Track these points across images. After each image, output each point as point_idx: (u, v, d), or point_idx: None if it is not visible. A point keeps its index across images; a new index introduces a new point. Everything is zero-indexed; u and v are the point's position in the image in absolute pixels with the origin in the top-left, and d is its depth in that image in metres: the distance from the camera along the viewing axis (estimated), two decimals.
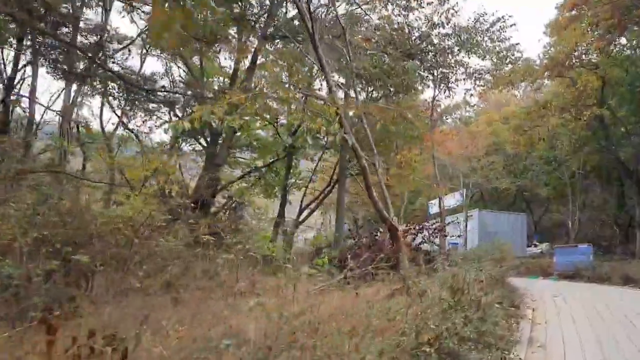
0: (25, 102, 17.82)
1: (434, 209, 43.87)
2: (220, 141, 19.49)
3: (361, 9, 18.50)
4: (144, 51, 23.33)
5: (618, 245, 29.56)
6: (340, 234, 22.36)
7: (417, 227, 15.49)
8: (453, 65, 20.88)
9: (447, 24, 19.03)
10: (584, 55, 27.09)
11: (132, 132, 25.58)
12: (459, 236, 33.18)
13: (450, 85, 22.11)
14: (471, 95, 24.32)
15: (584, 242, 29.62)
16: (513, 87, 30.27)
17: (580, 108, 26.64)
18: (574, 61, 26.95)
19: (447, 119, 62.57)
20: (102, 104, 22.99)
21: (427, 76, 21.45)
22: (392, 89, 21.08)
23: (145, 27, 19.18)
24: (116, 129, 24.14)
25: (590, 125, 29.95)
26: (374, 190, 12.13)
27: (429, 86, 23.20)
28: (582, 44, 25.59)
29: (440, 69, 21.00)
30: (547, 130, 32.84)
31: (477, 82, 22.60)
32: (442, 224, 16.13)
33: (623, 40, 27.01)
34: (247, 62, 18.44)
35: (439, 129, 51.96)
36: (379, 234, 15.27)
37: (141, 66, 23.31)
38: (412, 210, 58.92)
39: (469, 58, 21.19)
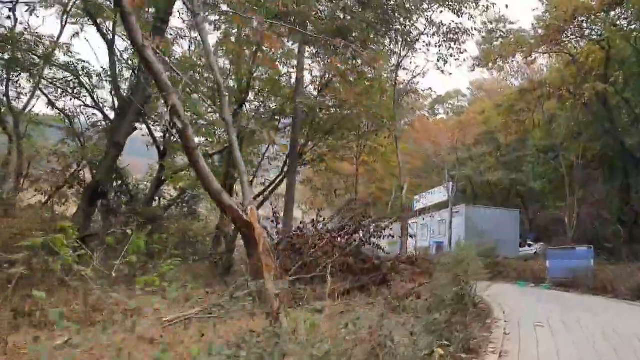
0: None
1: (418, 204, 40.02)
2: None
3: None
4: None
5: (622, 244, 25.61)
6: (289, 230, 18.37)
7: (352, 226, 11.53)
8: (412, 15, 16.93)
9: None
10: (584, 24, 23.09)
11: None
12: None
13: (411, 40, 18.16)
14: (445, 62, 20.33)
15: (583, 243, 25.65)
16: (505, 62, 26.26)
17: (580, 86, 22.61)
18: (572, 31, 22.98)
19: (438, 109, 59.09)
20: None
21: (384, 30, 17.43)
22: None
23: None
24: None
25: (591, 108, 25.98)
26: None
27: (384, 44, 19.22)
28: (583, 12, 21.63)
29: (400, 20, 17.04)
30: (542, 115, 28.87)
31: (454, 45, 18.59)
32: (387, 223, 12.22)
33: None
34: None
35: (423, 118, 48.25)
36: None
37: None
38: (399, 205, 54.96)
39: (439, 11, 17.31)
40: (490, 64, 26.89)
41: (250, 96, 21.40)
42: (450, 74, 20.63)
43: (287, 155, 20.68)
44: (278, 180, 21.49)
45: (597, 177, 30.36)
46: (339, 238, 11.08)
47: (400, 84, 21.64)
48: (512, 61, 26.58)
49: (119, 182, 23.71)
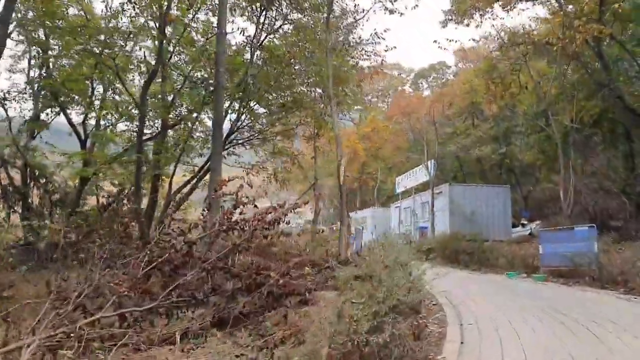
0: None
1: (400, 187, 36.25)
2: None
3: None
4: None
5: (628, 220, 21.94)
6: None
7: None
8: None
9: None
10: None
11: None
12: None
13: None
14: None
15: (583, 221, 21.94)
16: (483, 15, 22.38)
17: (571, 34, 18.72)
18: None
19: (422, 83, 55.06)
20: None
21: None
22: None
23: None
24: None
25: (584, 62, 22.19)
26: None
27: None
28: None
29: None
30: (530, 77, 25.01)
31: None
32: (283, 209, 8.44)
33: None
34: None
35: (403, 92, 44.41)
36: None
37: None
38: (385, 190, 51.30)
39: None
40: (466, 19, 23.06)
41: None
42: (402, 14, 15.87)
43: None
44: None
45: (595, 143, 26.57)
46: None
47: (336, 30, 17.49)
48: (491, 13, 22.67)
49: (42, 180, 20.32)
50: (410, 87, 51.88)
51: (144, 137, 16.71)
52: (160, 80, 15.76)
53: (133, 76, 18.17)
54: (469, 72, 41.78)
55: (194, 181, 17.43)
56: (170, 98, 16.00)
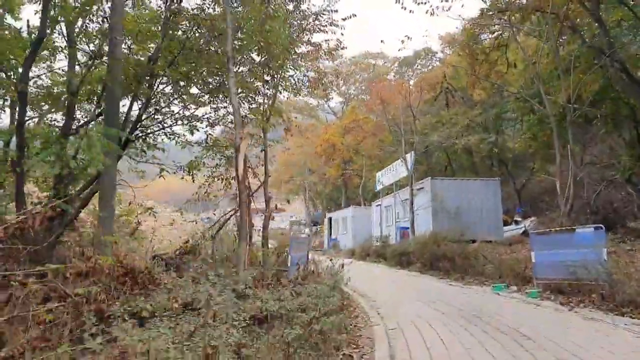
0: None
1: (380, 184, 32.87)
2: None
3: None
4: None
5: (636, 213, 18.62)
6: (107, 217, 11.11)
7: None
8: None
9: None
10: None
11: None
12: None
13: None
14: None
15: (585, 217, 18.60)
16: None
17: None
18: None
19: (407, 72, 51.61)
20: None
21: None
22: None
23: None
24: None
25: (579, 30, 18.84)
26: None
27: None
28: None
29: None
30: (519, 50, 21.63)
31: None
32: None
33: None
34: None
35: (383, 80, 40.95)
36: None
37: None
38: (371, 187, 47.68)
39: None
40: None
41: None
42: None
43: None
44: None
45: (596, 127, 23.20)
46: None
47: None
48: None
49: None
50: (395, 76, 48.42)
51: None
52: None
53: None
54: (454, 56, 38.50)
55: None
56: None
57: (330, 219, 43.82)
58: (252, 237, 12.91)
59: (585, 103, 18.63)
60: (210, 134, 15.43)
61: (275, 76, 15.73)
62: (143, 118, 13.36)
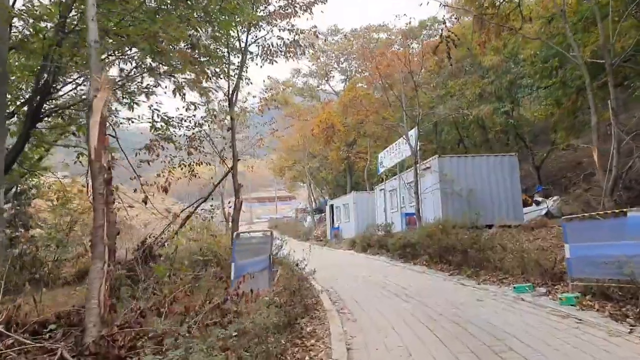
0: None
1: (383, 166, 29.77)
2: None
3: None
4: None
5: None
6: None
7: None
8: None
9: None
10: None
11: None
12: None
13: None
14: None
15: (618, 194, 15.41)
16: None
17: None
18: None
19: (411, 43, 47.98)
20: None
21: None
22: None
23: None
24: None
25: None
26: None
27: None
28: None
29: None
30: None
31: None
32: None
33: None
34: None
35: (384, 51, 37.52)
36: None
37: None
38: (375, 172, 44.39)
39: None
40: None
41: None
42: None
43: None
44: None
45: (625, 90, 19.79)
46: None
47: None
48: None
49: None
50: (399, 49, 44.93)
51: None
52: None
53: None
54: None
55: None
56: None
57: (332, 206, 40.67)
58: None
59: (621, 55, 15.22)
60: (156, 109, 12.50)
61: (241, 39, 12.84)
62: (56, 92, 10.48)
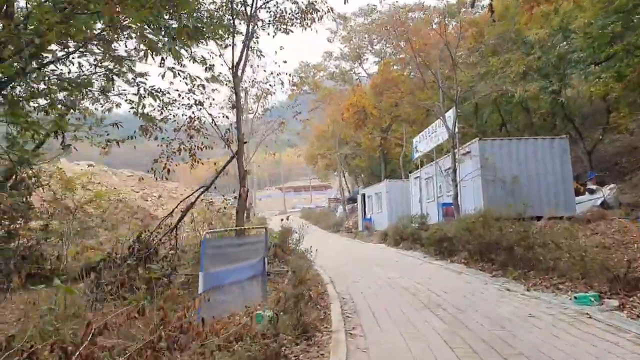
0: None
1: (417, 151, 27.59)
2: None
3: None
4: None
5: None
6: None
7: None
8: None
9: None
10: None
11: None
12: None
13: None
14: None
15: None
16: None
17: None
18: None
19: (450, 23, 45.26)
20: None
21: None
22: None
23: None
24: None
25: None
26: None
27: None
28: None
29: None
30: None
31: None
32: None
33: None
34: None
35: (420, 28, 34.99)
36: None
37: None
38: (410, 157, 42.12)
39: None
40: None
41: None
42: None
43: None
44: None
45: None
46: None
47: None
48: None
49: None
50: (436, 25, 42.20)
51: None
52: None
53: None
54: None
55: None
56: None
57: (363, 195, 38.47)
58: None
59: None
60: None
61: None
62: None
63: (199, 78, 11.79)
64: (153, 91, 10.67)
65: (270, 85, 19.23)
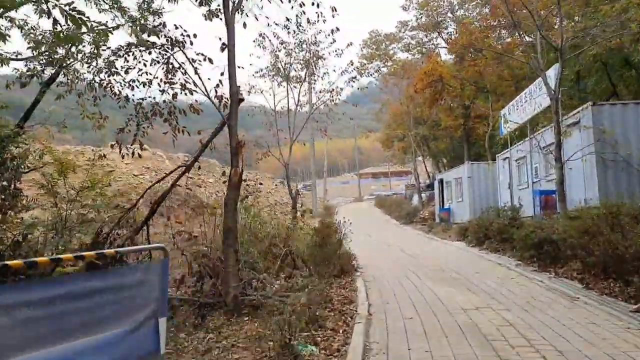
0: None
1: (507, 125, 22.35)
2: None
3: None
4: None
5: None
6: None
7: None
8: None
9: None
10: None
11: None
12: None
13: None
14: None
15: None
16: None
17: None
18: None
19: None
20: None
21: None
22: None
23: None
24: None
25: None
26: None
27: None
28: None
29: None
30: None
31: None
32: None
33: None
34: None
35: None
36: None
37: None
38: (499, 139, 35.98)
39: None
40: None
41: None
42: None
43: None
44: None
45: None
46: None
47: None
48: None
49: None
50: None
51: None
52: None
53: None
54: None
55: None
56: None
57: (441, 181, 33.06)
58: None
59: None
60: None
61: None
62: None
63: None
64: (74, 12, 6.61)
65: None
